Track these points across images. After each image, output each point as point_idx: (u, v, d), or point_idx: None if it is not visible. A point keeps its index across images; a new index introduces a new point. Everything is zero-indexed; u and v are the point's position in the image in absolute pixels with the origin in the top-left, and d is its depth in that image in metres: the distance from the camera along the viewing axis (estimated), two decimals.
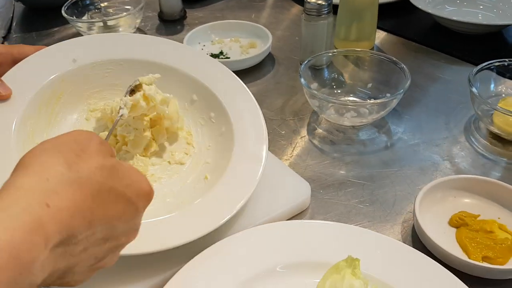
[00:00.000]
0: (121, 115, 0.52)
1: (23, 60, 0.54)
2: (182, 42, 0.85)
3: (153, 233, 0.46)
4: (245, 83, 0.70)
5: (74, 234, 0.29)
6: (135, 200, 0.32)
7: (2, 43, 0.91)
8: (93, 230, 0.30)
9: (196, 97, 0.62)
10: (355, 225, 0.54)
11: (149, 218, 0.46)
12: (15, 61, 0.54)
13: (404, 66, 0.69)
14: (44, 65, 0.56)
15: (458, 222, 0.54)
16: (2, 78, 0.51)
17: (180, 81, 0.62)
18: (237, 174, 0.53)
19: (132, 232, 0.34)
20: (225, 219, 0.49)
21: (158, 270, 0.48)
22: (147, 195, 0.34)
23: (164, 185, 0.56)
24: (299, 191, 0.57)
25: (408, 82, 0.66)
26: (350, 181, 0.61)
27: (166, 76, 0.60)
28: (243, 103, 0.60)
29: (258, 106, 0.60)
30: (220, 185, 0.52)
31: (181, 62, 0.62)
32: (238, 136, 0.57)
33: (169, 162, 0.59)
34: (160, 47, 0.63)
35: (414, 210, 0.52)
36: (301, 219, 0.56)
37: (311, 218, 0.56)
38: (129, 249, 0.36)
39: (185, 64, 0.62)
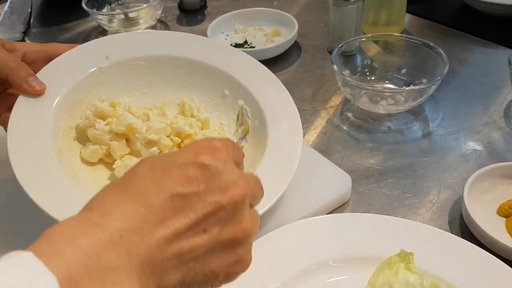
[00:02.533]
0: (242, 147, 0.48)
1: (56, 58, 0.54)
2: (204, 32, 0.83)
3: None
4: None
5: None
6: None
7: (23, 38, 0.90)
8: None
9: (228, 92, 0.60)
10: (400, 217, 0.52)
11: None
12: (48, 58, 0.53)
13: (442, 51, 0.66)
14: (77, 62, 0.56)
15: (508, 211, 0.52)
16: (37, 74, 0.51)
17: (211, 76, 0.60)
18: (272, 167, 0.52)
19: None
20: (262, 211, 0.47)
21: None
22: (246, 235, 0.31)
23: None
24: (339, 183, 0.55)
25: (446, 68, 0.63)
26: (390, 171, 0.59)
27: (197, 71, 0.59)
28: (275, 95, 0.58)
29: (290, 97, 0.58)
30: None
31: (210, 57, 0.61)
32: (271, 129, 0.55)
33: None
34: (187, 42, 0.62)
35: (463, 199, 0.50)
36: (342, 212, 0.54)
37: (352, 211, 0.54)
38: None
39: (214, 58, 0.61)
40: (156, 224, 0.27)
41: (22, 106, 0.50)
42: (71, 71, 0.55)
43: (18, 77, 0.49)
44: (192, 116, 0.57)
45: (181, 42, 0.62)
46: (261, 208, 0.47)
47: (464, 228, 0.51)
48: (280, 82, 0.59)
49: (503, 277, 0.43)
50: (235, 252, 0.30)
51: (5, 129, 0.49)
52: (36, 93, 0.50)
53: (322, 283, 0.45)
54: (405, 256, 0.43)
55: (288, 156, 0.52)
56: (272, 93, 0.58)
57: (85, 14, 0.90)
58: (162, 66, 0.60)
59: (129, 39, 0.61)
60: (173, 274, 0.28)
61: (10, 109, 0.49)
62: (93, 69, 0.57)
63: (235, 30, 0.88)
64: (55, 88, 0.52)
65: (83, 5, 0.87)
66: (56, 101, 0.52)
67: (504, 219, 0.52)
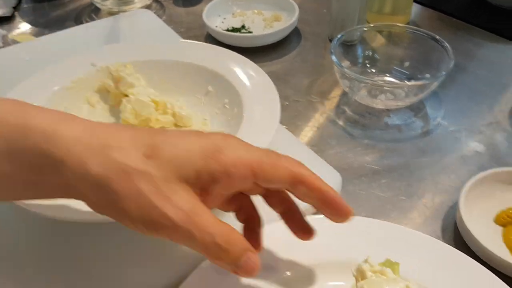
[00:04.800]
0: None
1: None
2: (200, 14, 0.79)
3: None
4: (268, 61, 0.64)
5: None
6: None
7: (13, 14, 0.87)
8: None
9: (212, 88, 0.58)
10: (390, 221, 0.49)
11: None
12: None
13: (448, 45, 0.62)
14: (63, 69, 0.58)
15: (506, 220, 0.49)
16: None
17: (194, 75, 0.59)
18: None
19: None
20: None
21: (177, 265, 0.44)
22: None
23: None
24: (328, 181, 0.52)
25: (452, 63, 0.59)
26: (385, 171, 0.56)
27: (179, 72, 0.59)
28: (256, 82, 0.55)
29: (270, 81, 0.55)
30: None
31: (193, 56, 0.60)
32: (247, 114, 0.52)
33: None
34: (172, 46, 0.64)
35: (458, 205, 0.47)
36: None
37: None
38: None
39: (196, 57, 0.60)
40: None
41: None
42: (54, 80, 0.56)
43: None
44: (173, 114, 0.55)
45: (164, 46, 0.63)
46: None
47: (458, 237, 0.48)
48: (259, 68, 0.57)
49: None
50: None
51: None
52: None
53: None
54: (390, 266, 0.40)
55: (260, 136, 0.49)
56: (254, 81, 0.56)
57: None
58: (148, 70, 0.59)
59: (113, 48, 0.63)
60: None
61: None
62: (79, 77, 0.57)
63: (233, 13, 0.84)
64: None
65: None
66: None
67: (501, 229, 0.49)
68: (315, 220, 0.47)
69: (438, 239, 0.47)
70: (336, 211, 0.35)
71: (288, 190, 0.36)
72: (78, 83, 0.57)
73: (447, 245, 0.44)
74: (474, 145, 0.59)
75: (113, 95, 0.57)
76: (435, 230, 0.49)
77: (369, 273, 0.32)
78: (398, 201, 0.52)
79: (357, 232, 0.45)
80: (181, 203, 0.30)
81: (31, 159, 0.31)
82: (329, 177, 0.52)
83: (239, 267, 0.32)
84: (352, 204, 0.51)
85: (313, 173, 0.36)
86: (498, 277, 0.41)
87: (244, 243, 0.32)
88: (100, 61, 0.58)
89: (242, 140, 0.34)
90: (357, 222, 0.46)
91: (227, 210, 0.38)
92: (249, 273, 0.32)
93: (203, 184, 0.31)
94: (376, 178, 0.55)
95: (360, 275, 0.32)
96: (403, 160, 0.57)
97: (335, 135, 0.61)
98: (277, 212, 0.39)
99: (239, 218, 0.38)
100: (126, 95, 0.54)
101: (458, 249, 0.44)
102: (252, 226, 0.38)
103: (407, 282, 0.32)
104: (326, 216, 0.36)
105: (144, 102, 0.52)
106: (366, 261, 0.32)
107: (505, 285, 0.40)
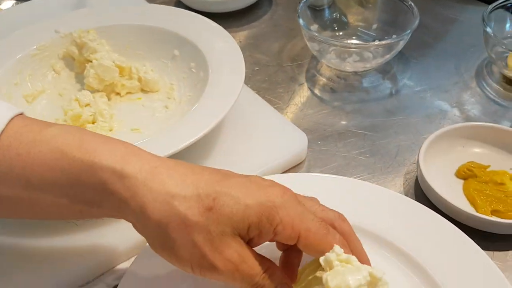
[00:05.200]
0: None
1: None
2: None
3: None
4: (239, 26, 0.64)
5: None
6: None
7: None
8: None
9: (178, 52, 0.58)
10: (354, 178, 0.50)
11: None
12: None
13: (412, 4, 0.62)
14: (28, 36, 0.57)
15: (466, 174, 0.51)
16: None
17: (160, 39, 0.59)
18: (208, 105, 0.49)
19: None
20: (183, 145, 0.44)
21: None
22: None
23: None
24: (295, 142, 0.53)
25: (417, 22, 0.60)
26: (351, 131, 0.57)
27: (145, 36, 0.59)
28: (222, 46, 0.56)
29: (236, 44, 0.56)
30: (189, 115, 0.48)
31: (159, 20, 0.60)
32: (213, 77, 0.52)
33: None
34: (135, 10, 0.63)
35: (418, 160, 0.49)
36: (297, 172, 0.52)
37: (308, 171, 0.52)
38: None
39: (163, 21, 0.60)
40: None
41: None
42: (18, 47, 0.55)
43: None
44: (139, 79, 0.55)
45: (129, 11, 0.62)
46: (182, 142, 0.44)
47: (420, 191, 0.49)
48: (225, 31, 0.57)
49: (453, 240, 0.42)
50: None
51: None
52: None
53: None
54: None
55: (225, 96, 0.50)
56: (220, 44, 0.56)
57: None
58: (113, 35, 0.58)
59: (78, 14, 0.62)
60: None
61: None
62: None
63: None
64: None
65: None
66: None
67: (462, 182, 0.51)
68: (284, 177, 0.49)
69: (401, 193, 0.48)
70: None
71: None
72: (42, 50, 0.56)
73: (407, 197, 0.46)
74: (439, 104, 0.60)
75: (77, 62, 0.56)
76: (397, 185, 0.50)
77: (335, 262, 0.33)
78: (362, 159, 0.53)
79: (324, 189, 0.46)
80: (232, 256, 0.31)
81: (94, 195, 0.31)
82: (296, 138, 0.53)
83: None
84: (318, 163, 0.53)
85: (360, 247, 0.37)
86: (459, 227, 0.42)
87: (280, 277, 0.34)
88: (64, 28, 0.57)
89: (298, 197, 0.35)
90: (322, 179, 0.48)
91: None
92: None
93: (251, 235, 0.33)
94: (342, 138, 0.56)
95: (327, 265, 0.33)
96: (369, 120, 0.58)
97: (304, 99, 0.62)
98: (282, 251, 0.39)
99: (279, 247, 0.38)
100: (90, 61, 0.54)
101: (418, 202, 0.45)
102: (290, 257, 0.38)
103: (370, 269, 0.33)
104: None
105: (107, 67, 0.52)
106: (333, 251, 0.33)
107: (464, 235, 0.42)
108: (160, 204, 0.31)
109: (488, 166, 0.51)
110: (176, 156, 0.42)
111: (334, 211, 0.36)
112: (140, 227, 0.32)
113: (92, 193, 0.31)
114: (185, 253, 0.31)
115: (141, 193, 0.31)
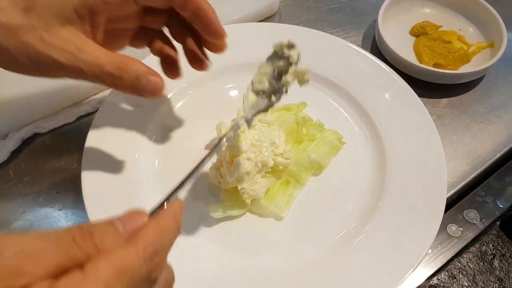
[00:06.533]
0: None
1: None
2: None
3: None
4: None
5: None
6: None
7: None
8: None
9: None
10: (321, 30, 0.56)
11: None
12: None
13: None
14: None
15: (419, 31, 0.56)
16: None
17: None
18: None
19: None
20: None
21: None
22: None
23: None
24: None
25: None
26: None
27: None
28: None
29: None
30: None
31: None
32: None
33: None
34: None
35: (377, 19, 0.54)
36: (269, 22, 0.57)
37: (279, 22, 0.57)
38: None
39: None
40: None
41: None
42: None
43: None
44: None
45: None
46: None
47: (376, 46, 0.55)
48: None
49: (395, 89, 0.48)
50: None
51: None
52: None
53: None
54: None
55: None
56: None
57: None
58: None
59: None
60: None
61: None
62: None
63: None
64: None
65: None
66: None
67: (414, 39, 0.56)
68: (259, 25, 0.53)
69: (358, 46, 0.54)
70: (211, 30, 0.37)
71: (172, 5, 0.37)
72: None
73: (361, 49, 0.51)
74: None
75: None
76: (357, 40, 0.57)
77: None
78: (331, 14, 0.58)
79: (286, 37, 0.52)
80: (65, 45, 0.32)
81: None
82: None
83: (141, 90, 0.34)
84: (289, 16, 0.58)
85: None
86: (405, 78, 0.48)
87: (142, 68, 0.34)
88: None
89: None
90: (290, 29, 0.52)
91: (139, 47, 0.41)
92: (152, 93, 0.34)
93: (88, 20, 0.33)
94: None
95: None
96: None
97: None
98: (181, 43, 0.40)
99: (154, 52, 0.40)
100: None
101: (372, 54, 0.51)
102: (169, 57, 0.39)
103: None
104: (205, 37, 0.38)
105: None
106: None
107: (406, 84, 0.48)
108: None
109: (441, 26, 0.57)
110: None
111: None
112: None
113: None
114: (23, 58, 0.32)
115: None
